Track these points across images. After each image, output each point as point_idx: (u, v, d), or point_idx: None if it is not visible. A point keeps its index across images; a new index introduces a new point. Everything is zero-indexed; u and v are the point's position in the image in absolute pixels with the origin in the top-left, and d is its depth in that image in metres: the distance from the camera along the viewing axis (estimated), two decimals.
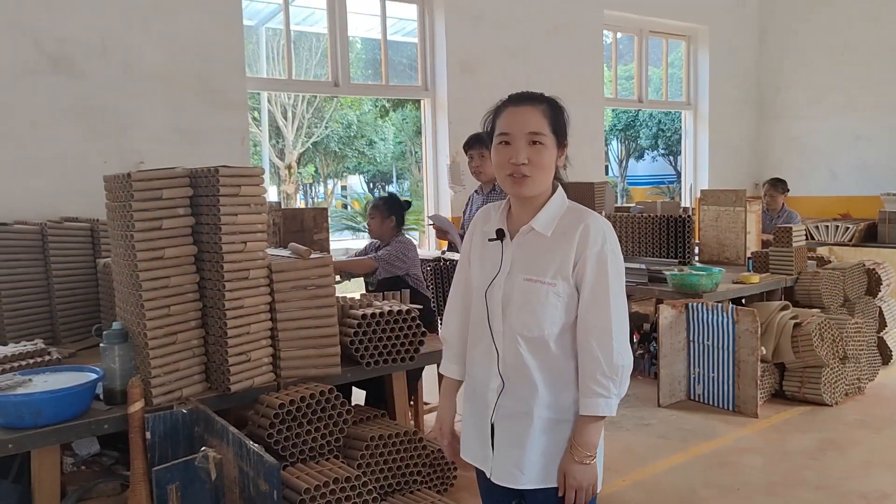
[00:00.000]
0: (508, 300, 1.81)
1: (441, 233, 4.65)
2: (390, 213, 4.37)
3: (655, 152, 22.21)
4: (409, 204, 4.54)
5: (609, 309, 1.74)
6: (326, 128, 18.97)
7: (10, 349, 3.04)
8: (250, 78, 5.73)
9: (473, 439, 1.93)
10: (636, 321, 5.67)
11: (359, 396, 3.95)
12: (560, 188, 1.87)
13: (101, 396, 2.60)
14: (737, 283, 5.00)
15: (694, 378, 4.76)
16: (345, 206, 21.70)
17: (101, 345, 2.59)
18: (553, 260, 1.77)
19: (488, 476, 1.88)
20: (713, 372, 4.64)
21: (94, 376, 2.56)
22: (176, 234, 2.64)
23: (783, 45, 8.85)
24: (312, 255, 2.91)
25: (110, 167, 4.53)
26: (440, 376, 4.50)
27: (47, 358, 3.03)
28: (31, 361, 2.97)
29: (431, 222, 4.92)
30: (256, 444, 2.24)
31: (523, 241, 1.83)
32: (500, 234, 1.86)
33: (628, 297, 5.39)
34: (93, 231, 3.68)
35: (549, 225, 1.80)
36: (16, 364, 2.91)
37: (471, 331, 1.94)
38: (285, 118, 17.46)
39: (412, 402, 3.86)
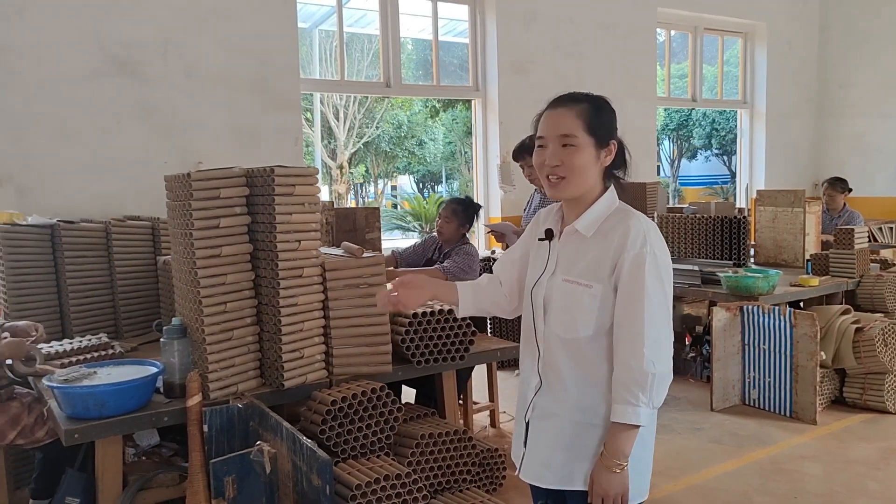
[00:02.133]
0: (549, 301, 1.82)
1: (499, 236, 4.68)
2: (468, 221, 4.35)
3: (709, 152, 21.75)
4: (479, 207, 4.52)
5: (642, 314, 1.69)
6: (377, 128, 19.14)
7: (76, 343, 3.17)
8: (304, 79, 5.83)
9: (516, 436, 1.97)
10: (688, 323, 5.57)
11: (408, 395, 3.98)
12: (611, 189, 1.84)
13: (161, 390, 2.68)
14: (795, 285, 4.86)
15: (749, 382, 4.65)
16: (395, 206, 21.85)
17: (162, 340, 2.67)
18: (591, 261, 1.76)
19: (516, 473, 1.91)
20: (769, 377, 4.52)
21: (154, 370, 2.64)
22: (233, 233, 2.71)
23: (845, 41, 8.56)
24: (365, 254, 2.95)
25: (171, 167, 4.67)
26: (490, 376, 4.51)
27: (111, 351, 3.15)
28: (96, 354, 3.09)
29: (489, 230, 4.92)
30: (309, 440, 2.28)
31: (567, 242, 1.83)
32: (549, 235, 1.86)
33: (680, 298, 5.37)
34: (154, 229, 3.80)
35: (591, 226, 1.79)
36: (81, 357, 3.04)
37: (521, 329, 1.96)
38: (337, 119, 17.67)
39: (461, 402, 3.88)
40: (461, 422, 3.74)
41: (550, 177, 1.78)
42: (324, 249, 3.06)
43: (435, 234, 4.50)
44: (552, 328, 1.82)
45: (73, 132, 4.55)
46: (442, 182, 23.53)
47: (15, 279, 3.50)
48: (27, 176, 4.41)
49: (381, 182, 23.32)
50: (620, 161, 1.85)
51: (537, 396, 1.85)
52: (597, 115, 1.78)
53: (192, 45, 4.90)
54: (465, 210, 4.37)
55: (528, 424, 1.88)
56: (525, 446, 1.89)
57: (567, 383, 1.79)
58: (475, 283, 2.10)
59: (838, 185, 6.53)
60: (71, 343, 3.16)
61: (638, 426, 1.70)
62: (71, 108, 4.53)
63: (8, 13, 4.33)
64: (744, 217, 5.46)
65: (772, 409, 4.53)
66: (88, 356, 3.06)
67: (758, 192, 6.10)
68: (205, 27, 4.94)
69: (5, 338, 2.95)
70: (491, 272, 2.13)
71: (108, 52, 4.63)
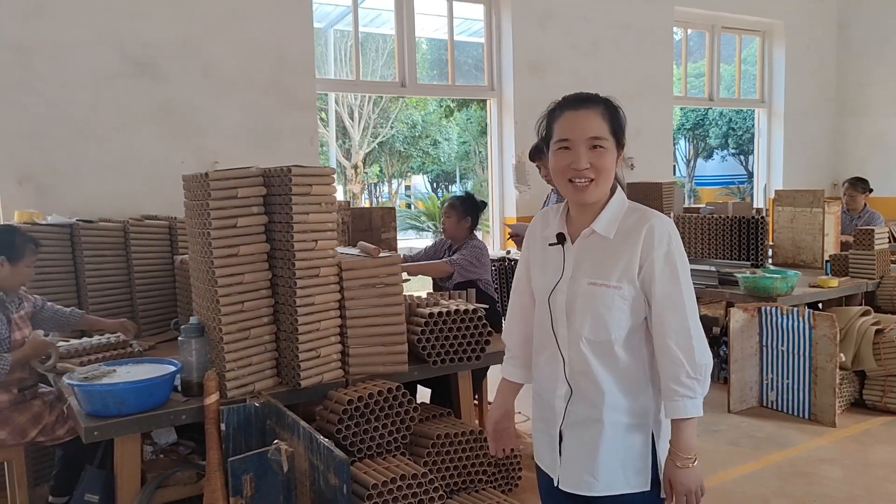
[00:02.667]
0: (572, 305, 1.77)
1: (520, 239, 4.66)
2: (467, 213, 4.33)
3: (725, 151, 21.60)
4: (484, 204, 4.51)
5: (685, 309, 1.72)
6: (392, 128, 19.16)
7: (95, 341, 3.20)
8: (319, 79, 5.84)
9: (543, 445, 1.90)
10: (705, 324, 5.53)
11: (423, 395, 3.98)
12: (619, 189, 1.83)
13: (179, 388, 2.70)
14: (813, 286, 4.82)
15: (767, 384, 4.61)
16: (409, 206, 21.88)
17: (179, 338, 2.69)
18: (618, 262, 1.74)
19: (555, 483, 1.84)
20: (787, 378, 4.48)
21: (173, 368, 2.66)
22: (250, 232, 2.72)
23: (864, 39, 8.47)
24: (381, 254, 2.95)
25: (188, 167, 4.70)
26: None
27: (129, 350, 3.18)
28: (115, 353, 3.11)
29: (512, 232, 4.90)
30: (326, 439, 2.29)
31: (585, 245, 1.79)
32: (561, 239, 1.81)
33: (697, 299, 5.31)
34: (171, 228, 3.83)
35: (611, 227, 1.76)
36: (100, 355, 3.06)
37: (535, 337, 1.91)
38: (352, 118, 17.72)
39: (477, 402, 3.87)
40: (476, 422, 3.74)
41: (577, 180, 1.72)
42: (340, 249, 3.07)
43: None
44: (579, 332, 1.77)
45: (92, 132, 4.59)
46: (456, 182, 23.52)
47: (35, 278, 3.52)
48: (47, 175, 4.45)
49: (395, 182, 23.34)
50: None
51: (570, 404, 1.80)
52: (615, 116, 1.77)
53: (209, 45, 4.93)
54: (462, 203, 4.35)
55: (561, 433, 1.82)
56: (560, 456, 1.82)
57: (604, 387, 1.75)
58: (513, 357, 2.01)
59: (859, 185, 6.46)
60: (90, 341, 3.18)
61: (694, 418, 1.72)
62: (90, 108, 4.57)
63: (28, 14, 4.37)
64: (762, 217, 5.41)
65: (790, 412, 4.49)
66: (107, 354, 3.09)
67: (776, 192, 6.04)
68: (221, 28, 4.97)
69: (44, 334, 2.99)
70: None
71: (126, 52, 4.67)
